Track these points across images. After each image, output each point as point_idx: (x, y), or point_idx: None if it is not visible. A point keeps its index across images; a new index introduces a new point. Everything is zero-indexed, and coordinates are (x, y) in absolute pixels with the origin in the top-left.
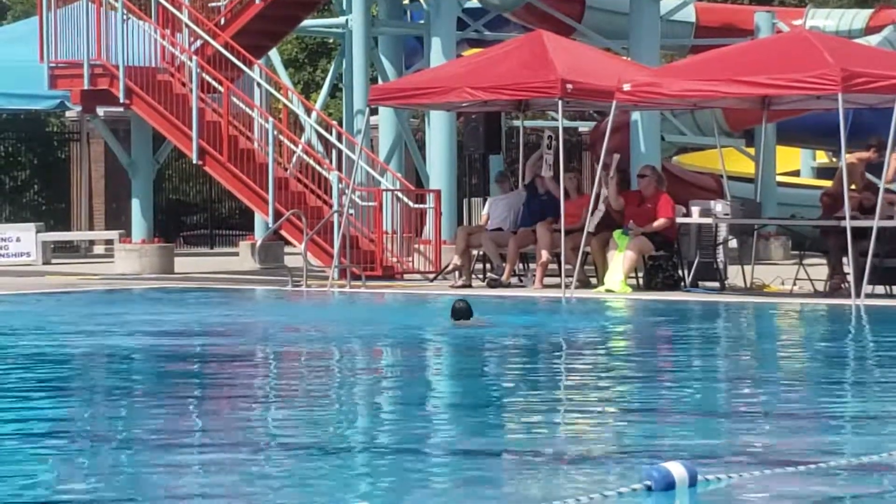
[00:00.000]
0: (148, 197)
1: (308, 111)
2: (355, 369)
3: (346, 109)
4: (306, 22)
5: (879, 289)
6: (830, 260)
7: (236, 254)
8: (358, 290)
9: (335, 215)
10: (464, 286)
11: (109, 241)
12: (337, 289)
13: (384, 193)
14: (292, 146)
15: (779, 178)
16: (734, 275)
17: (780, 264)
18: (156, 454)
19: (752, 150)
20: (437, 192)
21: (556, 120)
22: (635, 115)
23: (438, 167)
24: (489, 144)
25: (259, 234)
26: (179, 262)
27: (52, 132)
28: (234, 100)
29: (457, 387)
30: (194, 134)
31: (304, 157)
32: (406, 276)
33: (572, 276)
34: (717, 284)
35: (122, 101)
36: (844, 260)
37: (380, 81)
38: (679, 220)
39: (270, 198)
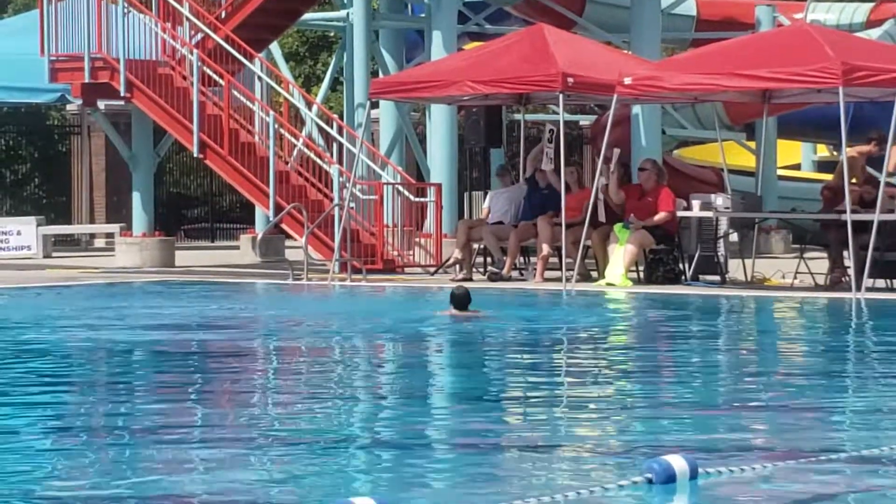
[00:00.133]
0: (149, 190)
1: (309, 105)
2: (355, 363)
3: (346, 103)
4: (307, 15)
5: (880, 282)
6: (831, 253)
7: (237, 247)
8: (359, 283)
9: (336, 209)
10: (464, 280)
11: (110, 235)
12: (338, 282)
13: (385, 187)
14: (293, 140)
15: (779, 172)
16: (735, 268)
17: (780, 258)
18: (157, 448)
19: (752, 144)
20: (438, 186)
21: (557, 113)
22: (636, 109)
23: (439, 161)
24: (490, 138)
25: (260, 228)
26: (180, 255)
27: (52, 125)
28: (235, 93)
29: (457, 380)
30: (195, 127)
31: (305, 150)
32: (407, 269)
33: (573, 270)
34: (717, 278)
35: (122, 94)
36: (845, 253)
37: (380, 75)
38: (680, 213)
39: (271, 191)
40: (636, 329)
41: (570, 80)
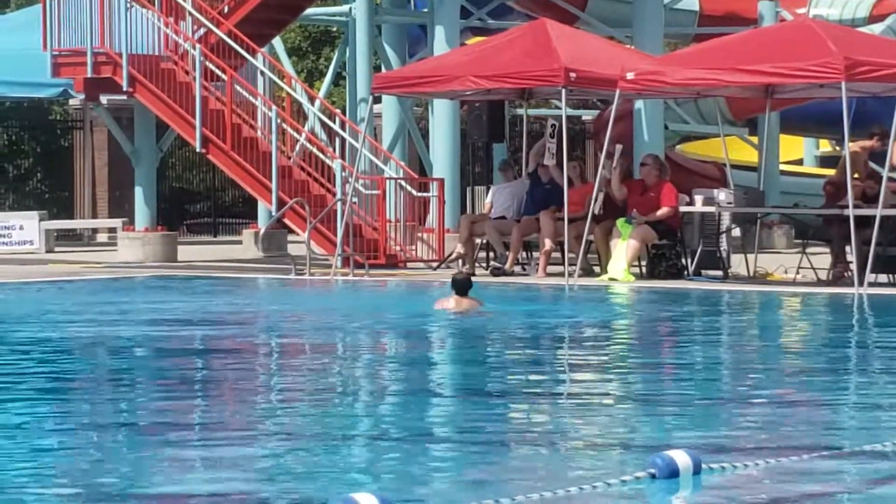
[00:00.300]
0: (151, 185)
1: (311, 99)
2: (357, 358)
3: (349, 98)
4: (310, 10)
5: (882, 277)
6: (833, 248)
7: (239, 242)
8: (361, 278)
9: (338, 204)
10: (468, 275)
11: (112, 230)
12: (340, 277)
13: (387, 182)
14: (296, 134)
15: (782, 167)
16: (737, 263)
17: (783, 253)
18: (158, 444)
19: (755, 139)
20: (441, 181)
21: (560, 108)
22: (638, 104)
23: (442, 156)
24: (492, 133)
25: (262, 223)
26: (182, 250)
27: (55, 120)
28: (238, 88)
29: (458, 375)
30: (197, 122)
31: (308, 145)
32: (409, 264)
33: (575, 265)
34: (720, 273)
35: (125, 89)
36: (847, 248)
37: (383, 70)
38: (682, 208)
39: (274, 186)
40: (638, 324)
41: (573, 75)
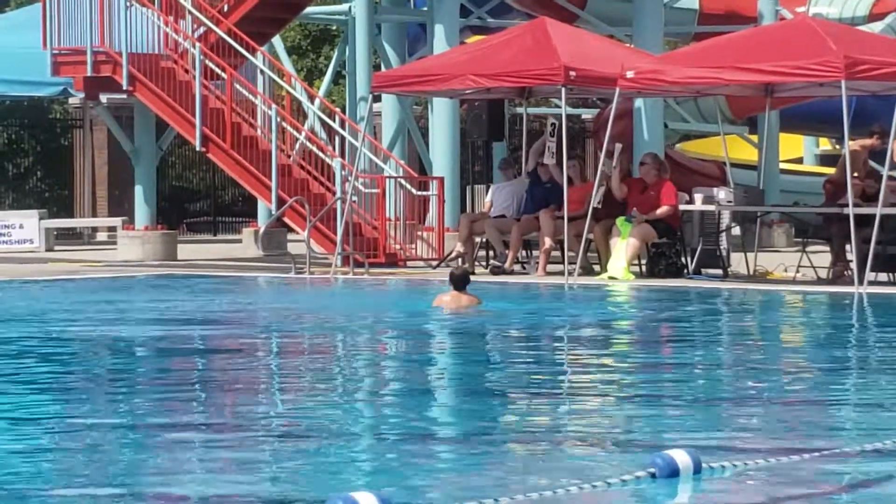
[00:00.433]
0: (151, 184)
1: (311, 98)
2: (357, 357)
3: (349, 96)
4: (309, 9)
5: (882, 276)
6: (833, 247)
7: (239, 241)
8: (361, 277)
9: (338, 202)
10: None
11: (112, 228)
12: (340, 276)
13: (387, 180)
14: (295, 133)
15: (782, 166)
16: (737, 262)
17: (783, 251)
18: (157, 443)
19: (755, 138)
20: (441, 180)
21: (560, 107)
22: (638, 103)
23: (441, 154)
24: (492, 132)
25: (262, 222)
26: (182, 249)
27: (55, 119)
28: (238, 87)
29: (459, 373)
30: (197, 121)
31: (308, 144)
32: (409, 263)
33: (575, 264)
34: (720, 272)
35: (125, 88)
36: (847, 247)
37: (383, 68)
38: (682, 207)
39: (273, 185)
40: (638, 323)
41: (573, 73)
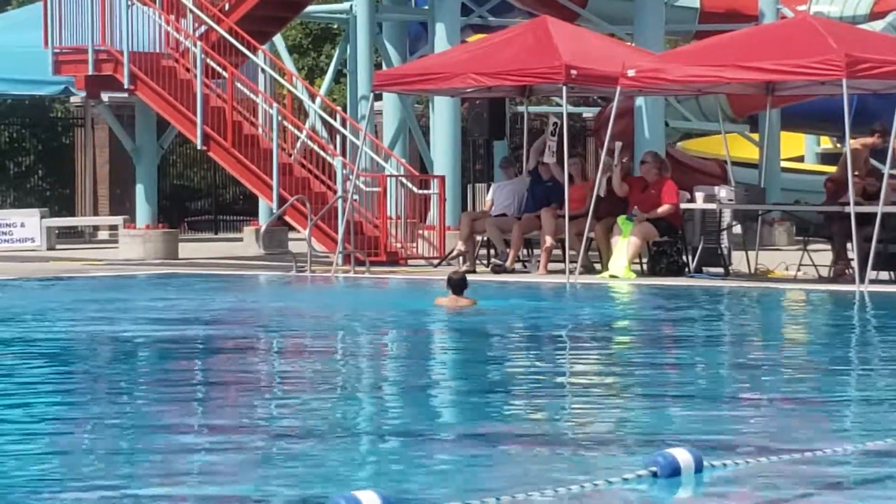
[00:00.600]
0: (152, 182)
1: (312, 97)
2: (357, 355)
3: (350, 95)
4: (311, 7)
5: (884, 274)
6: (834, 246)
7: (240, 239)
8: (362, 275)
9: (339, 201)
10: (468, 272)
11: (114, 227)
12: (341, 274)
13: (388, 179)
14: (296, 132)
15: (783, 164)
16: (738, 260)
17: (784, 250)
18: (158, 443)
19: (756, 136)
20: (442, 178)
21: (561, 105)
22: (639, 101)
23: (442, 153)
24: (493, 130)
25: (263, 220)
26: (183, 247)
27: (56, 118)
28: (239, 85)
29: (460, 372)
30: (199, 119)
31: (309, 142)
32: (410, 261)
33: (576, 262)
34: (721, 270)
35: (126, 86)
36: (848, 246)
37: (384, 67)
38: (683, 205)
39: (275, 183)
40: (639, 321)
41: (574, 72)
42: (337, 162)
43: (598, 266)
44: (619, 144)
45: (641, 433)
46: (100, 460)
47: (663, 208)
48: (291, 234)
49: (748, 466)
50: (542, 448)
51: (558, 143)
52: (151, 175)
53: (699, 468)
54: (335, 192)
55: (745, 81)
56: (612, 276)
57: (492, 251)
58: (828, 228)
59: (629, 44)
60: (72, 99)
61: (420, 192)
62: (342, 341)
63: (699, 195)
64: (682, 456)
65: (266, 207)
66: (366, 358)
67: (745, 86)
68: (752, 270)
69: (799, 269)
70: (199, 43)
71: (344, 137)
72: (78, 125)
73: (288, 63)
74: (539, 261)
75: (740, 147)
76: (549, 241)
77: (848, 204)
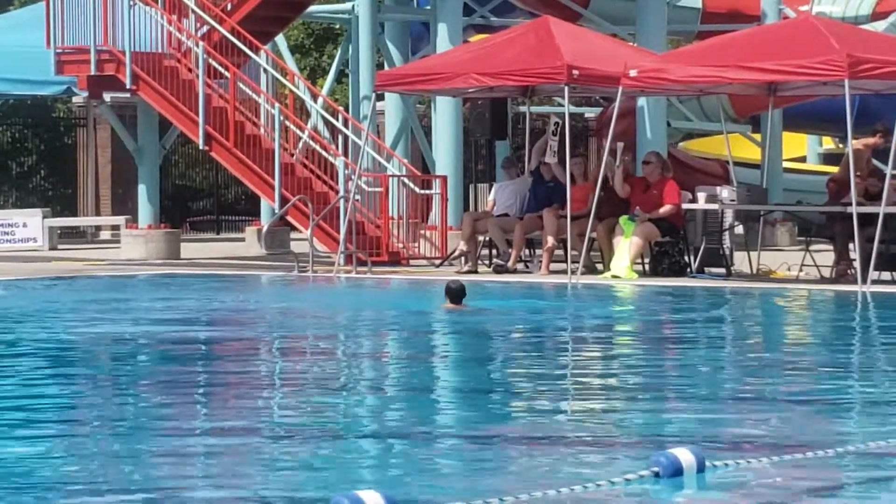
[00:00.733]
0: (154, 182)
1: (314, 97)
2: (359, 355)
3: (352, 95)
4: (313, 7)
5: (886, 275)
6: (837, 246)
7: (242, 239)
8: (364, 275)
9: (341, 201)
10: (470, 272)
11: (116, 227)
12: (343, 274)
13: (390, 179)
14: (298, 132)
15: (785, 164)
16: (740, 261)
17: (786, 250)
18: (159, 442)
19: (758, 136)
20: (444, 178)
21: (563, 106)
22: (641, 101)
23: (444, 153)
24: (495, 130)
25: (265, 220)
26: (186, 247)
27: (58, 118)
28: (241, 85)
29: (462, 372)
30: (201, 120)
31: (311, 142)
32: (412, 261)
33: (578, 262)
34: (723, 270)
35: (128, 86)
36: (851, 246)
37: (386, 67)
38: (685, 206)
39: (277, 183)
40: (641, 321)
41: (576, 72)
42: (339, 162)
43: (599, 266)
44: (620, 145)
45: (643, 433)
46: (100, 461)
47: (665, 208)
48: (293, 235)
49: (750, 466)
50: (544, 448)
51: (560, 143)
52: (153, 175)
53: (701, 468)
54: (337, 192)
55: (747, 82)
56: (614, 277)
57: (494, 251)
58: (830, 229)
59: (631, 44)
60: (74, 99)
61: (422, 192)
62: (344, 342)
63: (701, 195)
64: (685, 456)
65: (268, 207)
66: (367, 358)
67: (747, 86)
68: (754, 271)
69: (801, 270)
70: (201, 43)
71: (346, 137)
72: (80, 125)
73: (290, 63)
74: (541, 261)
75: (742, 147)
76: (550, 241)
77: (850, 204)
